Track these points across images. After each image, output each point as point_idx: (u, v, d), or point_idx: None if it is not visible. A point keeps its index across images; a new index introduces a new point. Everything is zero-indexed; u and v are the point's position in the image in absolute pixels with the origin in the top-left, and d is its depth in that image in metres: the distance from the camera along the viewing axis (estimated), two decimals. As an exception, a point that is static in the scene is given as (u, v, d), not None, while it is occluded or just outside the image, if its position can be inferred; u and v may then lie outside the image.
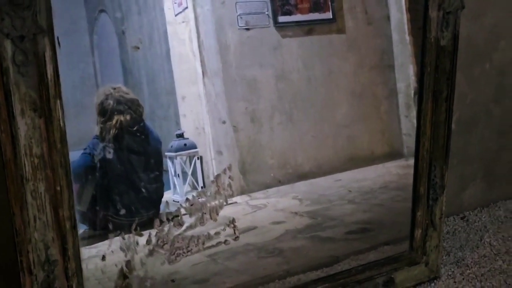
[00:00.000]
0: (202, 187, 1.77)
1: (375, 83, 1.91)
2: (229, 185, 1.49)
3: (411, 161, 1.86)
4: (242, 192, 1.71)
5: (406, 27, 1.73)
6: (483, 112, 1.51)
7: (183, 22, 1.76)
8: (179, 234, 1.29)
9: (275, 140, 1.80)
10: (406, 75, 1.81)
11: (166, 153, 1.75)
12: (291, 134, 1.83)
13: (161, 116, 1.97)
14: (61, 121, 0.69)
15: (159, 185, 1.65)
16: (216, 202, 1.41)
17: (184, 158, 1.77)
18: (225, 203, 1.44)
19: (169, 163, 1.76)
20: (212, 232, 1.37)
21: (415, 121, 1.74)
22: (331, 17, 1.86)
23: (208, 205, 1.37)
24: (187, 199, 1.39)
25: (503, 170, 1.72)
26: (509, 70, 1.52)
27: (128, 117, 1.52)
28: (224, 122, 1.75)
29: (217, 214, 1.39)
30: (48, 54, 0.65)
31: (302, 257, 1.48)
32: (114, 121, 1.49)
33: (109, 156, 1.51)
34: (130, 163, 1.58)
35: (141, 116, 1.57)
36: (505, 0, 1.39)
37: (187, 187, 1.80)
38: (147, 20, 2.01)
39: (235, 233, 1.41)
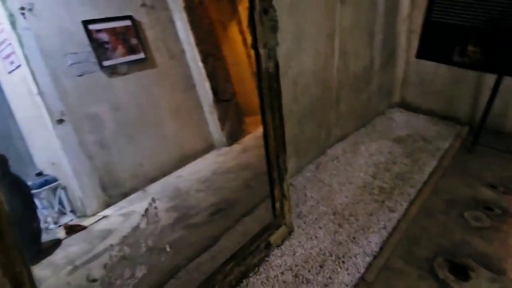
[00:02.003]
0: (71, 211, 1.99)
1: (185, 99, 2.55)
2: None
3: (223, 150, 2.68)
4: (108, 205, 2.05)
5: (198, 57, 2.53)
6: (289, 110, 2.19)
7: (19, 78, 1.82)
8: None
9: (124, 157, 2.16)
10: (204, 91, 2.59)
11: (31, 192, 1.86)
12: (135, 150, 2.22)
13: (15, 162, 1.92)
14: None
15: (36, 223, 1.76)
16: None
17: (49, 192, 1.91)
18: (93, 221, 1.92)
19: (37, 200, 1.87)
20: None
21: (218, 121, 2.62)
22: (144, 56, 2.30)
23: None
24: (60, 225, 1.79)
25: (303, 146, 2.51)
26: (298, 81, 2.22)
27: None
28: (79, 154, 1.96)
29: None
30: None
31: (188, 245, 1.87)
32: None
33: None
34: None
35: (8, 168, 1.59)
36: (290, 37, 2.06)
37: (58, 215, 1.97)
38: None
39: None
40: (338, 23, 2.40)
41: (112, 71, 2.13)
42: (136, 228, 1.82)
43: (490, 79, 2.99)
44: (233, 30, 3.44)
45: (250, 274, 1.70)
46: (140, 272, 1.57)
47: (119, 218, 2.01)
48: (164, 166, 2.39)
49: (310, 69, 2.29)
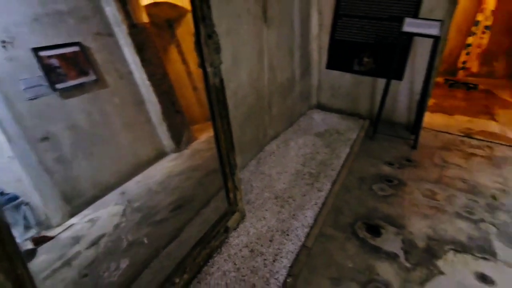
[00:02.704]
0: (36, 224, 1.90)
1: (136, 114, 2.54)
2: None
3: (174, 156, 2.74)
4: (72, 215, 1.99)
5: (145, 76, 2.53)
6: (232, 116, 2.21)
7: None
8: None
9: (84, 170, 2.11)
10: (153, 105, 2.60)
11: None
12: (93, 162, 2.18)
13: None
14: None
15: None
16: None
17: (12, 209, 1.82)
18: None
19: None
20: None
21: (167, 131, 2.66)
22: (95, 78, 2.28)
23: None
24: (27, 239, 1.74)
25: (245, 146, 2.60)
26: (237, 92, 2.31)
27: None
28: (39, 171, 1.87)
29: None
30: None
31: (156, 239, 1.91)
32: None
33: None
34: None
35: None
36: (229, 56, 2.13)
37: (24, 230, 1.88)
38: None
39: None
40: (265, 44, 2.55)
41: (65, 93, 2.07)
42: (116, 226, 1.83)
43: (381, 82, 3.37)
44: (173, 52, 3.49)
45: (214, 255, 1.79)
46: (123, 264, 1.59)
47: (86, 224, 1.95)
48: (122, 174, 2.35)
49: (246, 82, 2.41)
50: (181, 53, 3.48)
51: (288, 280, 1.65)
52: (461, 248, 1.99)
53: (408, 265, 1.84)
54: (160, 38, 3.24)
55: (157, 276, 1.55)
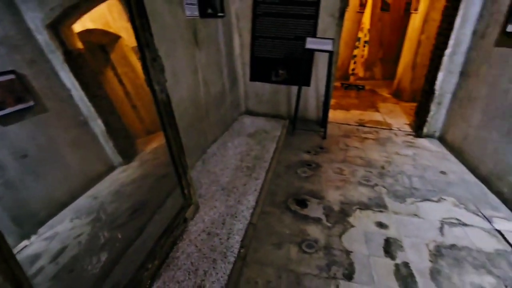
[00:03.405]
0: None
1: (81, 134, 2.42)
2: None
3: (123, 169, 2.68)
4: (26, 237, 1.79)
5: (85, 98, 2.43)
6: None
7: None
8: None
9: (33, 192, 1.95)
10: (97, 124, 2.40)
11: None
12: (43, 184, 1.99)
13: None
14: None
15: None
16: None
17: None
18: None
19: None
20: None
21: (113, 147, 2.61)
22: (33, 103, 2.16)
23: None
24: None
25: (191, 150, 2.58)
26: (179, 104, 2.35)
27: None
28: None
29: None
30: None
31: (120, 240, 1.90)
32: None
33: None
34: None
35: None
36: (170, 75, 2.19)
37: None
38: None
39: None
40: (198, 63, 2.67)
41: (4, 120, 1.95)
42: (76, 238, 1.77)
43: (294, 89, 3.73)
44: (110, 74, 3.40)
45: (178, 242, 1.86)
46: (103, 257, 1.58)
47: (43, 242, 1.85)
48: (74, 191, 2.24)
49: (186, 96, 2.51)
50: (117, 75, 3.41)
51: (241, 251, 1.81)
52: (364, 206, 2.36)
53: (329, 224, 2.14)
54: (96, 62, 3.14)
55: (130, 266, 1.59)
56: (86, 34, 2.96)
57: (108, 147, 2.75)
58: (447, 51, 3.35)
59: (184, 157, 1.99)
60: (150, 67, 1.69)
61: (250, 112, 4.10)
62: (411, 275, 1.74)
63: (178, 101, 2.39)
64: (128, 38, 2.37)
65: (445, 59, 3.38)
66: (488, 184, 2.71)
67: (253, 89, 3.96)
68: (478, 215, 2.32)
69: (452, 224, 2.20)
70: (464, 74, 3.34)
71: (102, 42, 3.40)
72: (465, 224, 2.20)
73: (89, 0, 2.50)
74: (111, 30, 3.07)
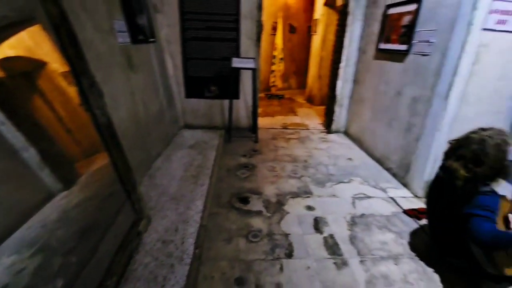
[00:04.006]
0: None
1: (12, 165, 2.19)
2: None
3: (63, 195, 2.43)
4: None
5: (14, 128, 2.18)
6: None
7: None
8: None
9: None
10: (29, 153, 2.22)
11: None
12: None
13: None
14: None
15: None
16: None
17: None
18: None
19: None
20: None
21: (50, 174, 2.35)
22: None
23: None
24: None
25: (136, 166, 2.56)
26: (121, 125, 2.08)
27: None
28: None
29: None
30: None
31: (74, 261, 1.73)
32: None
33: None
34: None
35: None
36: (109, 98, 2.11)
37: None
38: None
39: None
40: (135, 86, 2.56)
41: None
42: (18, 273, 1.54)
43: (226, 102, 3.82)
44: (38, 101, 3.03)
45: (134, 255, 1.76)
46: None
47: None
48: (9, 225, 1.97)
49: (126, 117, 2.37)
50: (47, 101, 3.05)
51: (196, 252, 1.80)
52: (295, 195, 2.56)
53: (269, 214, 2.26)
54: (21, 89, 2.77)
55: (89, 286, 1.45)
56: (6, 62, 2.58)
57: (44, 174, 2.43)
58: (342, 64, 3.84)
59: (131, 174, 1.90)
60: (89, 93, 1.59)
61: (188, 126, 4.05)
62: (336, 243, 1.96)
63: (119, 122, 2.25)
64: (54, 63, 2.15)
65: (341, 70, 3.86)
66: (381, 164, 3.18)
67: (189, 105, 3.92)
68: (377, 188, 2.71)
69: (360, 198, 2.53)
70: (355, 81, 3.86)
71: (26, 69, 3.00)
72: (369, 197, 2.56)
73: (7, 28, 2.22)
74: (35, 57, 2.74)
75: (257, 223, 2.14)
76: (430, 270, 1.74)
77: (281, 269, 1.71)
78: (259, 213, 2.26)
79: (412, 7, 2.59)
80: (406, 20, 2.68)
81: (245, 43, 3.59)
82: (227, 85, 3.74)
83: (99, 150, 1.98)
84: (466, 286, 1.64)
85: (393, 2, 2.92)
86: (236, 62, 3.41)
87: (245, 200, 2.43)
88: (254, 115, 3.76)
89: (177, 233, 1.96)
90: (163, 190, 2.45)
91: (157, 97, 3.18)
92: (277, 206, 2.36)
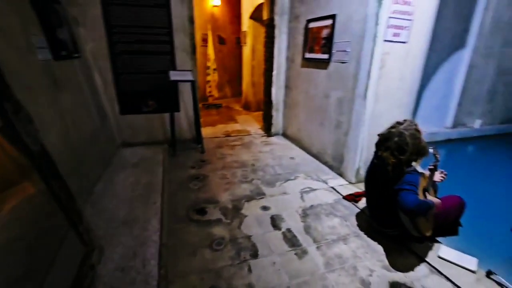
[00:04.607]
0: None
1: None
2: None
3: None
4: None
5: None
6: None
7: None
8: None
9: None
10: None
11: None
12: None
13: None
14: None
15: None
16: None
17: None
18: None
19: None
20: None
21: None
22: None
23: None
24: None
25: (76, 194, 2.29)
26: (52, 151, 1.98)
27: None
28: None
29: None
30: None
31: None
32: None
33: None
34: None
35: None
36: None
37: None
38: None
39: None
40: (62, 106, 2.29)
41: None
42: None
43: (167, 115, 3.70)
44: None
45: (90, 290, 1.59)
46: None
47: None
48: None
49: (56, 141, 2.10)
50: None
51: (161, 272, 1.72)
52: (249, 198, 2.64)
53: (228, 221, 2.29)
54: None
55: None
56: None
57: None
58: (274, 73, 4.11)
59: (75, 204, 1.70)
60: (15, 121, 1.38)
61: (127, 144, 3.76)
62: (294, 236, 2.11)
63: (50, 148, 1.98)
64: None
65: (273, 78, 4.14)
66: (319, 159, 3.52)
67: (126, 122, 3.65)
68: (319, 180, 3.00)
69: (307, 192, 2.76)
70: (288, 87, 4.18)
71: None
72: (314, 189, 2.81)
73: None
74: None
75: (218, 231, 2.15)
76: (372, 243, 2.03)
77: (250, 270, 1.77)
78: (218, 221, 2.27)
79: (328, 22, 2.98)
80: (325, 33, 3.06)
81: (180, 55, 3.55)
82: (166, 98, 3.62)
83: (16, 182, 1.71)
84: (400, 249, 1.96)
85: (312, 17, 3.29)
86: (173, 75, 3.34)
87: (202, 211, 2.40)
88: (197, 126, 3.73)
89: (136, 258, 1.83)
90: (112, 216, 2.25)
91: (89, 117, 2.90)
92: (235, 212, 2.40)
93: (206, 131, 4.63)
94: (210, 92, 6.85)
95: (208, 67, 6.62)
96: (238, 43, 7.27)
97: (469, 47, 4.83)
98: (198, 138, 3.78)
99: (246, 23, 5.86)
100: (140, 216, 2.24)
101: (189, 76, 3.37)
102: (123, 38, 3.25)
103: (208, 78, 6.72)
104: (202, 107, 6.51)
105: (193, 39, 3.56)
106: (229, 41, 7.47)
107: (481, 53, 4.91)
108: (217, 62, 6.97)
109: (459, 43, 4.84)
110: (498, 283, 1.65)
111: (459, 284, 1.65)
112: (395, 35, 2.49)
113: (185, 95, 3.74)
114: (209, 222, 2.25)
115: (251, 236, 2.09)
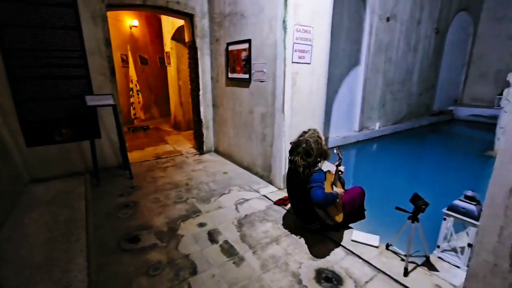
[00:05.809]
0: None
1: None
2: None
3: None
4: None
5: None
6: None
7: None
8: None
9: None
10: None
11: None
12: None
13: None
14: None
15: None
16: None
17: None
18: None
19: None
20: None
21: None
22: None
23: None
24: None
25: None
26: None
27: None
28: None
29: None
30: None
31: None
32: None
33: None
34: None
35: None
36: None
37: None
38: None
39: None
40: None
41: None
42: None
43: (86, 143, 3.43)
44: None
45: None
46: None
47: None
48: None
49: None
50: None
51: (92, 311, 1.60)
52: (185, 217, 2.65)
53: (164, 244, 2.25)
54: None
55: None
56: None
57: None
58: (200, 92, 4.25)
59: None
60: None
61: (38, 180, 3.32)
62: (231, 246, 2.22)
63: None
64: None
65: (200, 97, 4.27)
66: (250, 170, 3.75)
67: (34, 155, 3.24)
68: (251, 191, 3.20)
69: (241, 203, 2.92)
70: (215, 105, 4.36)
71: None
72: (247, 200, 2.99)
73: None
74: None
75: (154, 256, 2.11)
76: (300, 239, 2.29)
77: (189, 287, 1.80)
78: (154, 246, 2.22)
79: (245, 45, 3.29)
80: (244, 55, 3.37)
81: (97, 79, 3.38)
82: (83, 125, 3.37)
83: None
84: (322, 240, 2.27)
85: (231, 41, 3.58)
86: (91, 100, 3.16)
87: (135, 239, 2.31)
88: (123, 151, 3.56)
89: (61, 303, 1.66)
90: (24, 262, 1.98)
91: (-15, 152, 2.50)
92: (171, 233, 2.39)
93: (133, 156, 4.41)
94: (135, 114, 6.54)
95: (131, 89, 6.34)
96: (163, 63, 7.20)
97: (362, 64, 5.88)
98: (125, 163, 3.60)
99: (169, 44, 5.89)
100: (62, 257, 2.03)
101: (109, 100, 3.23)
102: (24, 62, 2.94)
103: (132, 100, 6.42)
104: (128, 131, 6.16)
105: (112, 61, 3.44)
106: (152, 61, 7.32)
107: (370, 69, 6.04)
108: (141, 83, 6.74)
109: (355, 61, 5.86)
110: (394, 252, 2.07)
111: (366, 259, 2.02)
112: (301, 57, 2.93)
113: (107, 119, 3.54)
114: (144, 249, 2.19)
115: (189, 254, 2.11)
